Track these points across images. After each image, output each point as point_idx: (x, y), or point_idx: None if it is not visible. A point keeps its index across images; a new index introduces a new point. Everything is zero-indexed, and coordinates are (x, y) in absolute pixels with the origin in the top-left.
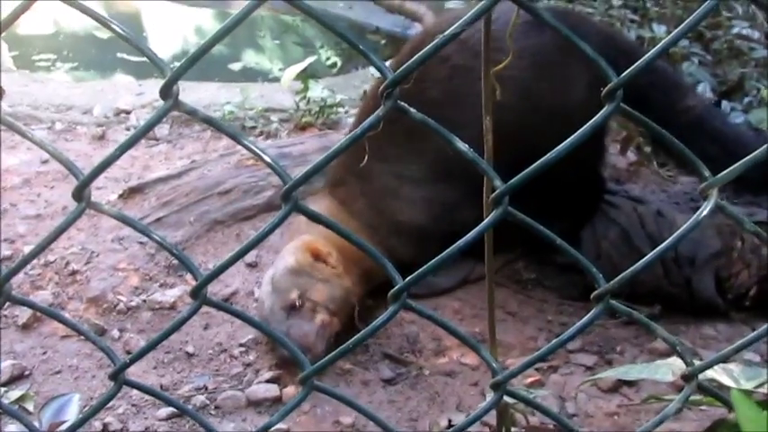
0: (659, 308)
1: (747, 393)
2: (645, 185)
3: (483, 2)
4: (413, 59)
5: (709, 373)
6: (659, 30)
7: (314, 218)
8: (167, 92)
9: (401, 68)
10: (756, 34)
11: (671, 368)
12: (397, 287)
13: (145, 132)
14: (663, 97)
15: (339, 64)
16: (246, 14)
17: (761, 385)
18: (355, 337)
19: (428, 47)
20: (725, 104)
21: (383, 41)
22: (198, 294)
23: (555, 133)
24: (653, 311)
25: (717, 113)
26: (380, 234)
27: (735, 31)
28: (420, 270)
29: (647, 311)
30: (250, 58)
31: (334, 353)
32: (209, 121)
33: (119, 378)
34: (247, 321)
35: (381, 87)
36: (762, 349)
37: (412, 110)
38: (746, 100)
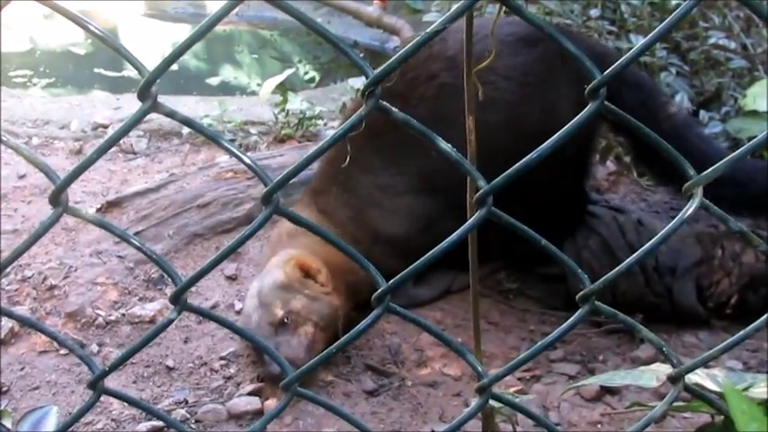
0: (641, 317)
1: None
2: (624, 195)
3: (463, 0)
4: (394, 57)
5: (694, 379)
6: (637, 40)
7: (295, 220)
8: (146, 93)
9: (382, 67)
10: (733, 44)
11: (655, 374)
12: (380, 290)
13: (122, 135)
14: (641, 108)
15: (317, 78)
16: (223, 15)
17: (746, 389)
18: (339, 341)
19: (409, 45)
20: (702, 114)
21: (361, 55)
22: (178, 299)
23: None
24: (635, 320)
25: (696, 125)
26: (363, 245)
27: (711, 41)
28: (403, 273)
29: (628, 320)
30: (228, 73)
31: (317, 358)
32: (188, 123)
33: (97, 387)
34: (227, 326)
35: (363, 86)
36: (743, 356)
37: (394, 109)
38: (724, 110)
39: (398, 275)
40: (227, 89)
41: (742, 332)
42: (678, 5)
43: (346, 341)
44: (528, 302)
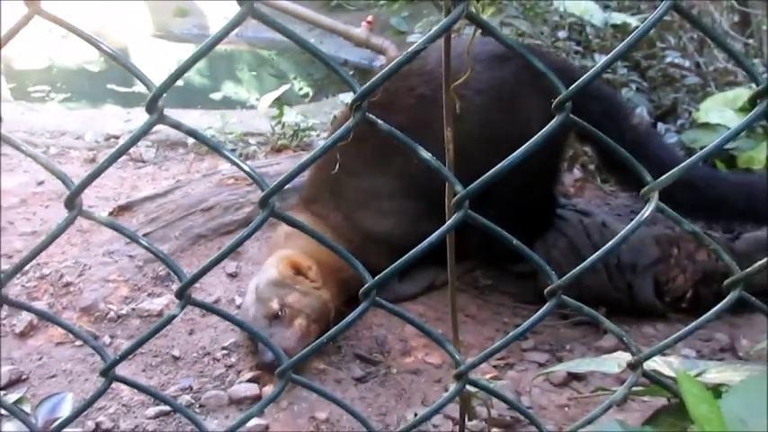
0: (604, 310)
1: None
2: (590, 199)
3: (444, 20)
4: (378, 74)
5: (653, 366)
6: (600, 59)
7: (290, 222)
8: (153, 106)
9: (368, 83)
10: (687, 63)
11: (617, 361)
12: (366, 285)
13: (132, 144)
14: (606, 119)
15: (311, 93)
16: (224, 35)
17: (699, 375)
18: (329, 332)
19: (393, 62)
20: (660, 126)
21: (351, 72)
22: (183, 294)
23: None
24: (598, 313)
25: (657, 134)
26: (354, 245)
27: (668, 60)
28: (387, 270)
29: (593, 313)
30: (229, 89)
31: (309, 347)
32: (193, 134)
33: (109, 374)
34: (227, 318)
35: (351, 100)
36: (697, 345)
37: (380, 121)
38: (679, 122)
39: (383, 272)
40: (228, 103)
41: (693, 323)
42: (637, 28)
43: (336, 332)
44: (502, 297)
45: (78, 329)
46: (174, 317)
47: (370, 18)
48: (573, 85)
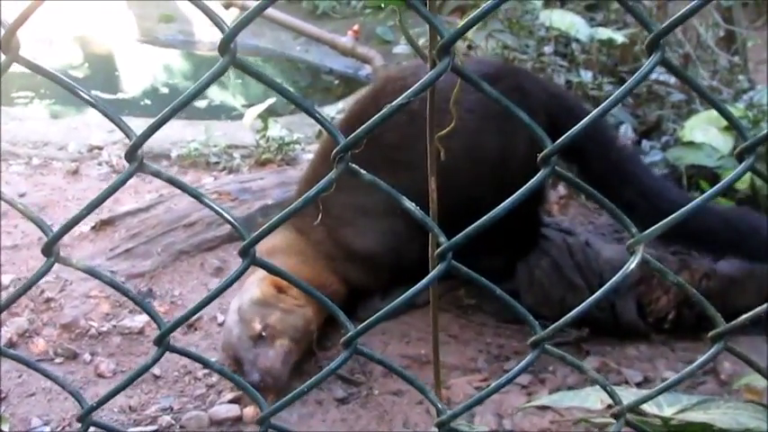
0: (587, 330)
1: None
2: (573, 218)
3: (428, 74)
4: (362, 128)
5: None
6: (586, 75)
7: (272, 271)
8: (133, 155)
9: (352, 135)
10: (672, 80)
11: (599, 396)
12: (348, 335)
13: (110, 194)
14: (588, 142)
15: (305, 100)
16: (207, 85)
17: (682, 411)
18: (309, 381)
19: (377, 116)
20: (645, 143)
21: (336, 81)
22: (161, 342)
23: (498, 180)
24: (582, 334)
25: (638, 159)
26: (337, 261)
27: (653, 77)
28: (369, 320)
29: (576, 334)
30: (215, 96)
31: (288, 396)
32: (172, 182)
33: (86, 420)
34: (208, 367)
35: (333, 152)
36: (679, 368)
37: (362, 171)
38: (664, 139)
39: (363, 324)
40: (213, 112)
41: (677, 376)
42: (624, 43)
43: (317, 381)
44: (485, 317)
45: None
46: (150, 366)
47: (356, 27)
48: (558, 141)
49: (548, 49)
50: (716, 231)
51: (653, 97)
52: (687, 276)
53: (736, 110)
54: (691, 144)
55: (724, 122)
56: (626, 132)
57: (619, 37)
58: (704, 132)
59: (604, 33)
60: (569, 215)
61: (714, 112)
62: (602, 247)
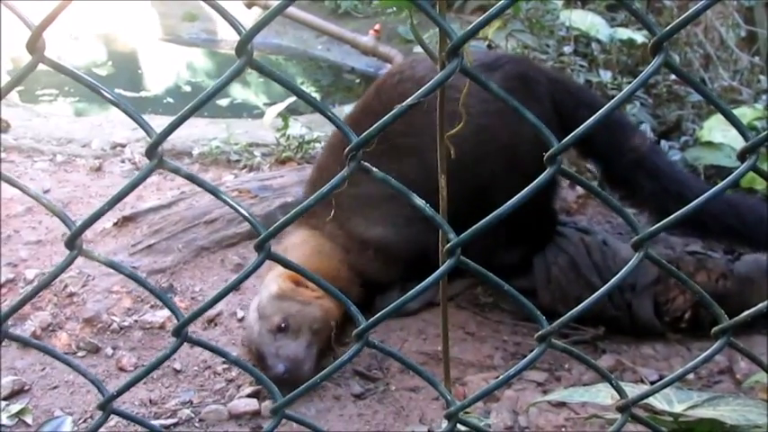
0: (603, 329)
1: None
2: (591, 217)
3: (438, 75)
4: (374, 127)
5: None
6: (605, 75)
7: (286, 265)
8: (153, 152)
9: (364, 134)
10: None
11: (610, 392)
12: (359, 328)
13: (131, 189)
14: (609, 137)
15: (318, 99)
16: (224, 85)
17: (692, 408)
18: (322, 372)
19: (389, 115)
20: (663, 143)
21: (357, 80)
22: (180, 333)
23: (506, 164)
24: (598, 332)
25: (659, 152)
26: (352, 253)
27: (673, 76)
28: (379, 314)
29: (592, 332)
30: (237, 94)
31: (301, 388)
32: (191, 178)
33: (107, 408)
34: (225, 357)
35: (346, 150)
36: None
37: (374, 169)
38: (683, 139)
39: (374, 317)
40: (235, 110)
41: (682, 369)
42: (644, 43)
43: (329, 372)
44: (502, 314)
45: (76, 363)
46: (169, 355)
47: (377, 26)
48: (563, 141)
49: (568, 48)
50: (727, 220)
51: (672, 97)
52: (704, 277)
53: (756, 110)
54: (710, 144)
55: (743, 123)
56: (645, 132)
57: (639, 37)
58: (723, 133)
59: (624, 33)
60: (587, 214)
61: (734, 113)
62: (619, 246)
